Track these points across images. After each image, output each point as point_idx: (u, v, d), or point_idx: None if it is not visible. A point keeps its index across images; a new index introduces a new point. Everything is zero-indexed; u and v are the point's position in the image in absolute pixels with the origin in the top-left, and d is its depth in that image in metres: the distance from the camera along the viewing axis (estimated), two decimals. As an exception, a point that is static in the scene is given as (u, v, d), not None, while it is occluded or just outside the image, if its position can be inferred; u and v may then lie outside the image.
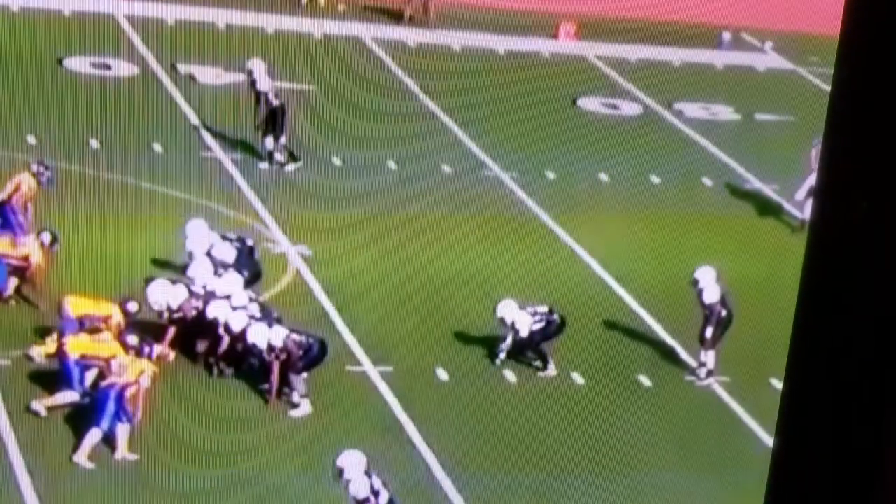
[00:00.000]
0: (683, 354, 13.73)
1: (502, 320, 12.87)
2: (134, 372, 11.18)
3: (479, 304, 13.65)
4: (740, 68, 21.97)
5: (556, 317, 13.01)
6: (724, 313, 13.31)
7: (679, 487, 12.06)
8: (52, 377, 11.65)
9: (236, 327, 12.07)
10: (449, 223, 14.83)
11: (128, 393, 11.02)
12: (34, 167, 13.96)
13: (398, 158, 16.72)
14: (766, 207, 17.31)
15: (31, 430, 11.25)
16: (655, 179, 17.69)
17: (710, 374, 13.35)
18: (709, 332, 13.15)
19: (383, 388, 12.54)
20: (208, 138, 16.61)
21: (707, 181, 17.92)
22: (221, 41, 19.91)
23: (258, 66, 16.07)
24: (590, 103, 19.90)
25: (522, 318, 12.80)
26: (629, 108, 20.00)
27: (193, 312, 12.17)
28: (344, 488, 10.45)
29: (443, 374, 12.99)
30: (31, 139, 15.98)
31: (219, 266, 12.73)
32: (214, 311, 12.15)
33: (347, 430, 11.96)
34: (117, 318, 11.83)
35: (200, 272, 12.57)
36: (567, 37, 21.74)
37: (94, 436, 10.97)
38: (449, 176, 16.91)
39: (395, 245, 14.34)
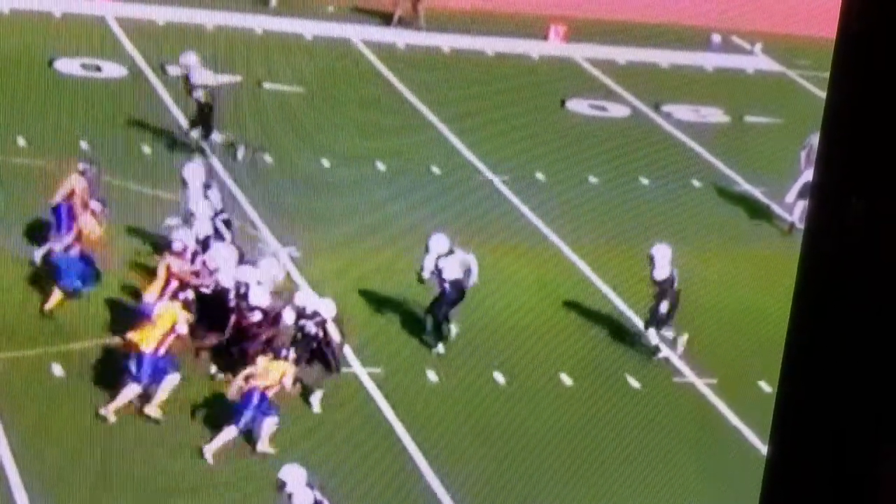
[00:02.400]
0: (672, 356, 13.71)
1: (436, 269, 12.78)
2: (276, 374, 11.47)
3: (467, 304, 13.63)
4: (729, 70, 21.96)
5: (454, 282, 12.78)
6: (671, 292, 13.39)
7: (666, 489, 12.04)
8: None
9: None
10: (437, 224, 14.79)
11: (270, 394, 11.42)
12: (81, 166, 13.88)
13: (387, 159, 16.68)
14: (756, 210, 17.30)
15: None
16: (644, 181, 17.67)
17: (656, 351, 13.42)
18: (663, 306, 13.23)
19: (372, 389, 12.49)
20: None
21: (696, 183, 17.90)
22: (212, 42, 19.85)
23: (191, 59, 15.96)
24: (578, 105, 19.87)
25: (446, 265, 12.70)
26: (617, 110, 19.98)
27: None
28: (286, 501, 10.42)
29: (433, 376, 12.95)
30: (21, 141, 15.90)
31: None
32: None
33: (337, 428, 11.92)
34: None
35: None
36: (557, 38, 21.72)
37: (228, 433, 11.28)
38: (437, 177, 16.89)
39: (383, 244, 14.29)
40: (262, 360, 11.63)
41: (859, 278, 2.35)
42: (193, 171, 13.73)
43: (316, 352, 12.07)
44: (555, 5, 22.35)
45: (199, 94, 15.64)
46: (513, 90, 19.97)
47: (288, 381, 11.62)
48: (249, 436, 11.48)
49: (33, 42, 18.89)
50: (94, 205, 13.29)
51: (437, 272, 13.13)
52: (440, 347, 13.18)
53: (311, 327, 12.00)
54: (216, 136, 15.83)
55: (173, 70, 18.50)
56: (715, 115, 20.20)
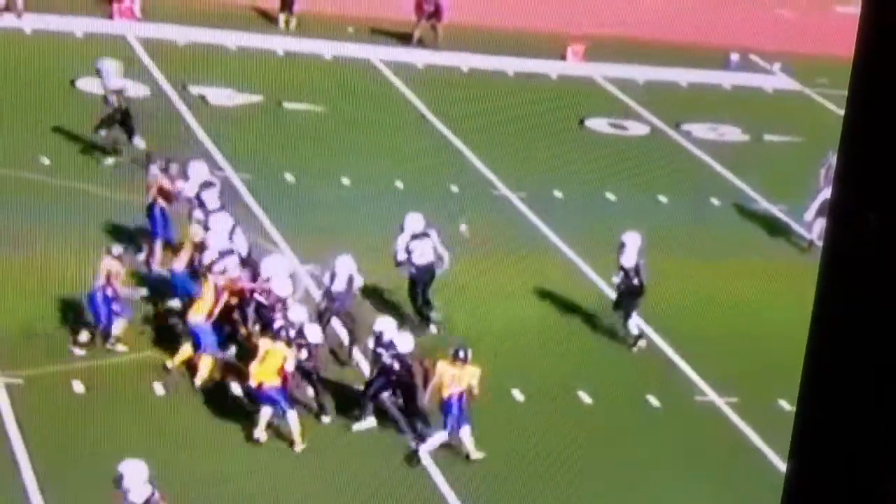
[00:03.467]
0: (692, 374, 13.65)
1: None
2: (466, 379, 11.96)
3: (482, 320, 13.63)
4: (748, 89, 21.93)
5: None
6: (636, 281, 13.61)
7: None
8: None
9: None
10: (456, 241, 14.82)
11: (465, 398, 11.90)
12: (160, 164, 14.29)
13: (406, 177, 16.71)
14: (775, 228, 17.24)
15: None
16: (663, 199, 17.64)
17: (637, 340, 13.62)
18: (626, 295, 13.54)
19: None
20: (219, 158, 16.61)
21: (715, 201, 17.85)
22: (233, 63, 19.99)
23: (106, 65, 16.06)
24: (597, 124, 19.87)
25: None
26: (637, 129, 19.97)
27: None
28: (124, 495, 10.31)
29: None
30: (45, 160, 16.02)
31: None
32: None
33: (355, 444, 11.92)
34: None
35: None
36: (575, 58, 21.75)
37: (439, 438, 11.82)
38: (456, 194, 16.90)
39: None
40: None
41: (877, 294, 2.35)
42: (210, 191, 13.83)
43: (395, 383, 12.04)
44: (572, 24, 22.40)
45: (113, 99, 15.77)
46: (531, 109, 19.97)
47: (475, 385, 12.01)
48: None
49: (56, 61, 19.04)
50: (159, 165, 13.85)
51: (408, 254, 13.13)
52: (433, 329, 13.23)
53: (386, 358, 12.04)
54: (138, 142, 15.89)
55: (195, 90, 18.64)
56: (734, 133, 20.17)
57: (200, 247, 13.04)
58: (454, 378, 11.91)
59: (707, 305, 14.90)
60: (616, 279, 13.79)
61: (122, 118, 15.84)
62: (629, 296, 13.60)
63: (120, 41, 20.00)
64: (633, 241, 13.75)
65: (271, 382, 11.70)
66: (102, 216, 14.72)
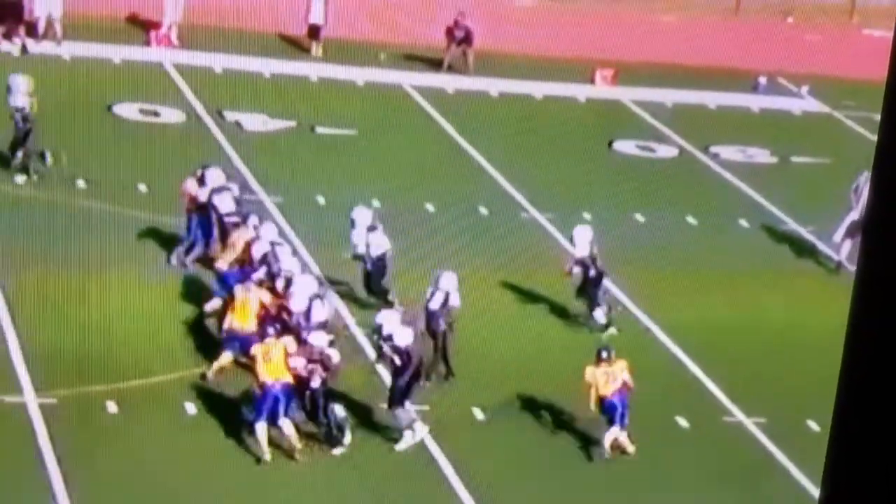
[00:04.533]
0: (721, 396, 13.49)
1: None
2: (619, 374, 12.38)
3: (509, 342, 13.54)
4: (776, 111, 21.79)
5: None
6: (592, 271, 14.09)
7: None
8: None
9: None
10: (484, 262, 14.77)
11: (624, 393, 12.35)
12: (197, 174, 14.50)
13: (435, 199, 16.69)
14: (803, 249, 17.05)
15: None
16: (692, 221, 17.52)
17: (606, 329, 13.97)
18: (588, 285, 14.03)
19: (417, 426, 12.39)
20: (252, 181, 16.67)
21: (744, 223, 17.71)
22: (267, 89, 20.10)
23: (17, 81, 16.05)
24: (626, 146, 19.77)
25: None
26: (665, 151, 19.86)
27: None
28: None
29: (479, 414, 12.84)
30: (81, 183, 16.13)
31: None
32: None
33: (379, 463, 11.86)
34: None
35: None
36: (604, 82, 21.70)
37: (612, 434, 12.32)
38: (485, 216, 16.85)
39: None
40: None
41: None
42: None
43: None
44: (601, 49, 22.36)
45: (18, 118, 15.73)
46: (560, 132, 19.91)
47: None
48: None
49: (93, 87, 19.18)
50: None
51: (367, 247, 13.47)
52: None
53: (386, 349, 12.06)
54: (48, 159, 15.79)
55: (230, 115, 18.74)
56: (762, 155, 20.01)
57: (248, 250, 13.21)
58: (608, 377, 12.32)
59: (735, 326, 14.73)
60: (576, 269, 14.17)
61: (24, 137, 15.68)
62: (591, 285, 14.05)
63: (157, 68, 20.15)
64: (582, 234, 14.33)
65: (283, 379, 11.47)
66: (138, 236, 14.77)
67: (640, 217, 17.32)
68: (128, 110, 18.62)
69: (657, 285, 15.14)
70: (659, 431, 12.80)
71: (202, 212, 14.15)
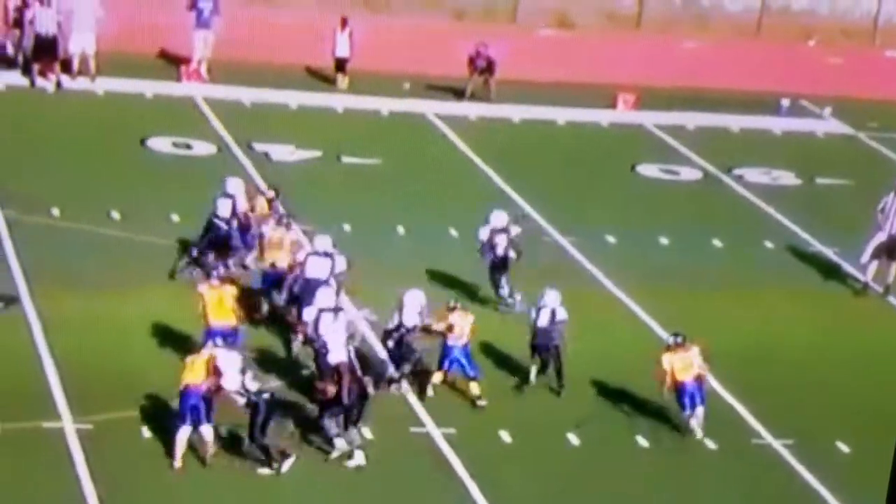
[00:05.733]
0: (749, 418, 13.30)
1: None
2: (695, 360, 12.61)
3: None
4: (800, 133, 21.63)
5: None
6: (490, 255, 14.67)
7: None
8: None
9: None
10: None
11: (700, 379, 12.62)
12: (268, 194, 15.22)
13: (459, 225, 16.60)
14: (829, 270, 16.84)
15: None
16: (717, 243, 17.37)
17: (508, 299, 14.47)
18: (500, 273, 14.60)
19: (446, 449, 12.32)
20: (281, 211, 16.73)
21: (769, 244, 17.53)
22: (294, 120, 20.21)
23: None
24: (649, 169, 19.66)
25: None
26: (689, 174, 19.73)
27: None
28: None
29: (506, 437, 12.72)
30: (115, 214, 16.26)
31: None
32: None
33: (407, 487, 11.76)
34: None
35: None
36: (626, 106, 21.63)
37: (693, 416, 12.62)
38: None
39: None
40: None
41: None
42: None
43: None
44: (622, 75, 22.31)
45: None
46: (582, 156, 19.79)
47: None
48: None
49: (126, 121, 19.35)
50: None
51: (492, 247, 14.48)
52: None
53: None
54: None
55: (259, 147, 18.86)
56: (786, 177, 19.84)
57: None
58: (685, 363, 12.45)
59: (761, 348, 14.53)
60: (488, 256, 14.62)
61: None
62: (495, 269, 14.61)
63: (188, 102, 20.35)
64: (494, 220, 14.66)
65: (196, 383, 11.38)
66: (168, 267, 14.84)
67: (664, 239, 17.18)
68: (161, 144, 18.78)
69: (682, 308, 14.99)
70: (687, 454, 12.62)
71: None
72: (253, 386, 11.66)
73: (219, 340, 12.23)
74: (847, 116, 21.89)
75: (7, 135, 18.31)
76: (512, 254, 14.50)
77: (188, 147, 18.81)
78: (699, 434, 12.52)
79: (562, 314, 13.13)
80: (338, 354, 11.98)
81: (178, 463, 11.58)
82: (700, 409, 12.56)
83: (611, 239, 16.97)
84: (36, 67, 20.01)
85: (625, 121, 21.27)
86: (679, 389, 12.47)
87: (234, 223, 14.60)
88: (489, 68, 20.96)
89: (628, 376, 13.36)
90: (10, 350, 13.11)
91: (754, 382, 13.76)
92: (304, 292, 13.30)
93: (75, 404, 12.28)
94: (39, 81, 20.10)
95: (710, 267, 16.56)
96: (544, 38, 23.95)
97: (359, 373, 11.98)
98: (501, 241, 14.53)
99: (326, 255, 13.76)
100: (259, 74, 20.83)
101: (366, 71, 21.06)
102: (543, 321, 13.08)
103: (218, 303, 12.78)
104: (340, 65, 21.24)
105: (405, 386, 12.95)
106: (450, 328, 12.87)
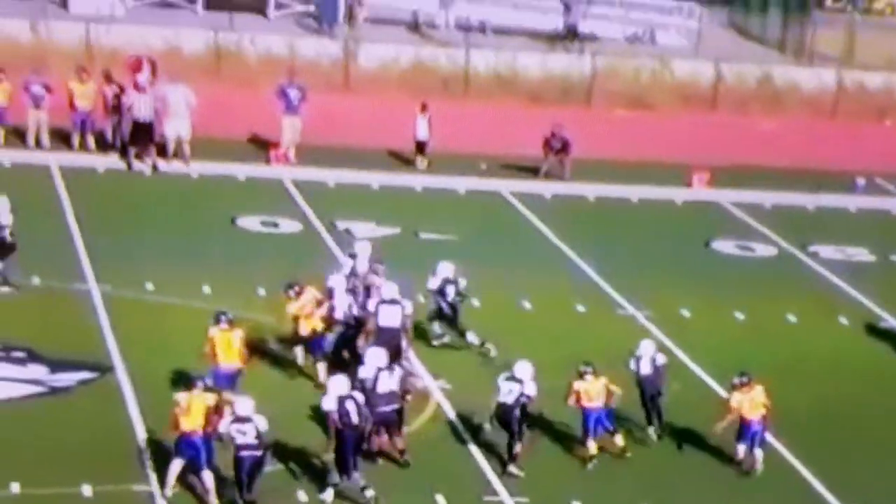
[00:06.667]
0: (821, 488, 13.09)
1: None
2: (759, 399, 13.10)
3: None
4: (874, 211, 21.44)
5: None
6: (442, 304, 15.13)
7: None
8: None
9: None
10: (582, 355, 14.69)
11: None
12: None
13: (533, 299, 16.75)
14: (905, 347, 16.58)
15: None
16: (792, 318, 17.24)
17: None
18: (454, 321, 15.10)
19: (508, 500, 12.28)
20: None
21: (844, 320, 17.35)
22: (375, 199, 20.74)
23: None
24: (724, 245, 19.63)
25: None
26: (764, 250, 19.68)
27: None
28: None
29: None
30: (206, 289, 16.82)
31: None
32: None
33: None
34: None
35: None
36: (700, 184, 21.72)
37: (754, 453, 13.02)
38: (582, 314, 16.78)
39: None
40: None
41: None
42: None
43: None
44: (697, 154, 22.44)
45: (5, 233, 16.07)
46: (656, 232, 19.79)
47: None
48: None
49: (218, 202, 19.95)
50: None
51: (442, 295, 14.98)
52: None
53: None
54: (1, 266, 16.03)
55: (341, 224, 19.39)
56: (861, 254, 19.66)
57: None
58: (752, 402, 12.94)
59: (839, 423, 14.33)
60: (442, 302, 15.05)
61: (7, 251, 16.10)
62: (444, 317, 15.05)
63: (276, 183, 21.04)
64: (442, 270, 15.20)
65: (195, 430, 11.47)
66: (259, 339, 15.00)
67: (739, 315, 17.13)
68: (250, 222, 19.44)
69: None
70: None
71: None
72: (263, 426, 11.76)
73: (209, 380, 12.51)
74: (922, 193, 21.64)
75: (105, 214, 18.96)
76: (458, 300, 14.92)
77: (275, 225, 19.43)
78: (760, 468, 12.79)
79: (661, 359, 13.57)
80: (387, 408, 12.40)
81: (168, 491, 11.72)
82: (759, 452, 12.86)
83: (685, 313, 16.97)
84: (133, 151, 20.69)
85: (700, 198, 21.33)
86: (744, 426, 12.87)
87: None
88: (564, 149, 21.25)
89: (696, 446, 13.24)
90: (104, 416, 13.44)
91: (830, 459, 13.52)
92: (378, 341, 13.60)
93: (163, 469, 12.63)
94: (136, 165, 20.83)
95: (785, 342, 16.43)
96: (619, 119, 24.25)
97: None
98: (451, 291, 14.99)
99: (394, 301, 14.11)
100: (343, 157, 21.48)
101: (445, 153, 21.58)
102: (646, 369, 13.39)
103: (227, 345, 13.22)
104: (420, 147, 21.80)
105: (487, 427, 12.98)
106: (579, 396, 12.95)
